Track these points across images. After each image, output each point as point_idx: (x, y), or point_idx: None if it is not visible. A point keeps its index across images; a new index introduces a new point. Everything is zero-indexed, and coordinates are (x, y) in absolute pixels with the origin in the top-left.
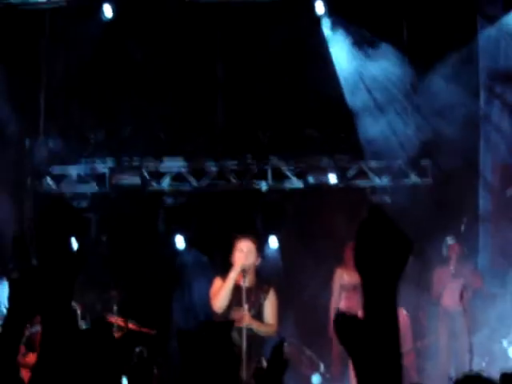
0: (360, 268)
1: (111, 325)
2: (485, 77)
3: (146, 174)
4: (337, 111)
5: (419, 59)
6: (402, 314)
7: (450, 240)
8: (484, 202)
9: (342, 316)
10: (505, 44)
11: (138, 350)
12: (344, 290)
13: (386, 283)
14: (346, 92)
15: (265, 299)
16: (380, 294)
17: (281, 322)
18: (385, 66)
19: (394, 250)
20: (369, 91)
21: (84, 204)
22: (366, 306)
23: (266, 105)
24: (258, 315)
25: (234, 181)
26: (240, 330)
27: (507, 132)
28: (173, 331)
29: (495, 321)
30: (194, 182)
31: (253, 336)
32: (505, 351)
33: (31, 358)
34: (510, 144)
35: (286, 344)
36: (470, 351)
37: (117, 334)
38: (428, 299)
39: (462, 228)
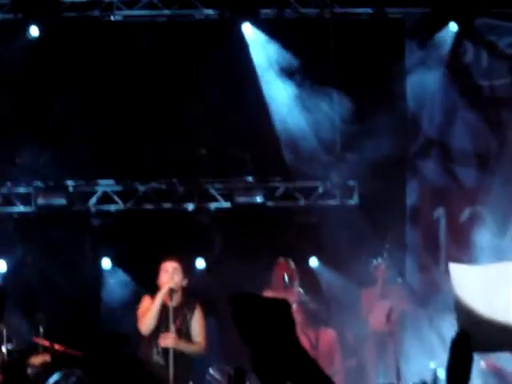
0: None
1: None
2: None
3: (72, 194)
4: (265, 132)
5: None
6: (331, 333)
7: (376, 261)
8: (410, 227)
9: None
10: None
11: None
12: None
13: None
14: (275, 115)
15: (191, 317)
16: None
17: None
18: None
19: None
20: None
21: (9, 225)
22: None
23: (194, 126)
24: (186, 333)
25: (161, 202)
26: (167, 351)
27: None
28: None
29: (422, 343)
30: (121, 203)
31: (180, 357)
32: (434, 373)
33: None
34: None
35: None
36: (397, 375)
37: (44, 357)
38: (356, 320)
39: (386, 249)
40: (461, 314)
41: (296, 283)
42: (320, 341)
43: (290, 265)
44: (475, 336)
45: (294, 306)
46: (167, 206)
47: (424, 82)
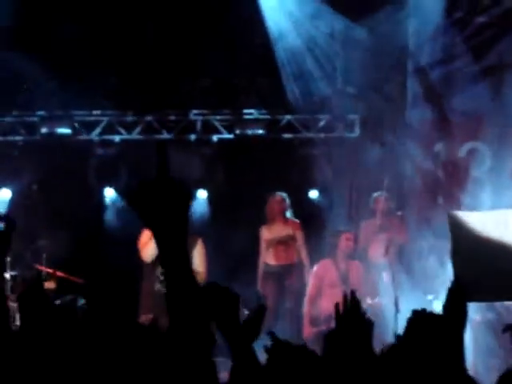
0: (148, 225)
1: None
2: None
3: (76, 123)
4: (265, 62)
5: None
6: (358, 265)
7: (376, 194)
8: (412, 155)
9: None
10: None
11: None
12: (268, 245)
13: (174, 233)
14: (274, 41)
15: (193, 248)
16: (171, 245)
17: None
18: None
19: (174, 200)
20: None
21: (15, 153)
22: (162, 260)
23: (194, 56)
24: None
25: (164, 132)
26: None
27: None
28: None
29: (420, 276)
30: (125, 133)
31: None
32: (430, 305)
33: None
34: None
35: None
36: (396, 305)
37: (49, 284)
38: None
39: (386, 182)
40: (457, 262)
41: (290, 214)
42: (351, 270)
43: (284, 198)
44: (472, 285)
45: (348, 235)
46: (170, 136)
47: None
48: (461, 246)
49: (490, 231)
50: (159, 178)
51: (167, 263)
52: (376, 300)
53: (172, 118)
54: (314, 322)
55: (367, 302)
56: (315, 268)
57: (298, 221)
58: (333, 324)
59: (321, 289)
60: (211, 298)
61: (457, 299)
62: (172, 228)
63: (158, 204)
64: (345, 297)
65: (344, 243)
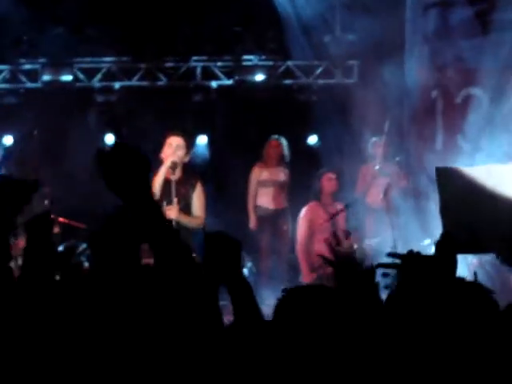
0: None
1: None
2: None
3: (77, 70)
4: (265, 9)
5: None
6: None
7: (375, 138)
8: (410, 102)
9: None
10: None
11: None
12: (262, 186)
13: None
14: None
15: (193, 192)
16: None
17: (207, 215)
18: None
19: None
20: None
21: (16, 100)
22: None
23: (193, 3)
24: (187, 207)
25: (163, 79)
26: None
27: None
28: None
29: (418, 221)
30: (125, 80)
31: (181, 228)
32: (424, 250)
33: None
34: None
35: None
36: (394, 248)
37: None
38: (354, 196)
39: (386, 127)
40: (447, 217)
41: (287, 159)
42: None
43: (282, 142)
44: (461, 238)
45: (330, 175)
46: (170, 83)
47: None
48: (449, 200)
49: (482, 184)
50: (115, 149)
51: (138, 219)
52: (375, 240)
53: (171, 64)
54: (311, 268)
55: (365, 243)
56: (303, 212)
57: (288, 170)
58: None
59: (311, 233)
60: (212, 246)
61: (446, 251)
62: (133, 189)
63: (117, 170)
64: (328, 242)
65: (326, 183)
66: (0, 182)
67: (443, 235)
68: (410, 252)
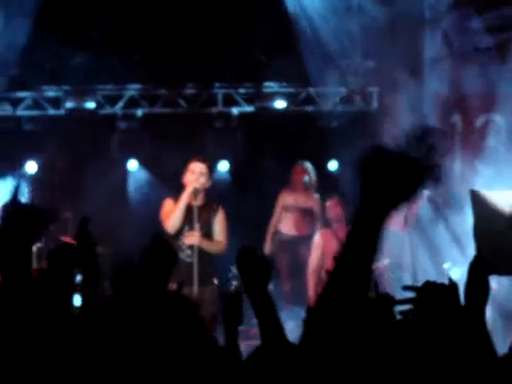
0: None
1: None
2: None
3: (100, 97)
4: (285, 36)
5: None
6: None
7: None
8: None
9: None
10: None
11: None
12: (285, 211)
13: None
14: (293, 15)
15: (214, 217)
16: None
17: (229, 241)
18: None
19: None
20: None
21: (39, 127)
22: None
23: (215, 30)
24: (209, 233)
25: (185, 106)
26: (192, 248)
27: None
28: (123, 250)
29: (436, 245)
30: (147, 107)
31: (204, 254)
32: (446, 274)
33: None
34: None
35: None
36: (414, 274)
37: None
38: None
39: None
40: (480, 238)
41: (314, 185)
42: None
43: (308, 168)
44: (494, 259)
45: (333, 202)
46: (192, 110)
47: None
48: (483, 222)
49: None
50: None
51: None
52: (391, 261)
53: (193, 91)
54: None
55: (383, 263)
56: (315, 239)
57: (317, 196)
58: None
59: (323, 260)
60: (244, 263)
61: (479, 273)
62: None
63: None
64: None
65: (331, 210)
66: (19, 209)
67: (476, 258)
68: (427, 283)
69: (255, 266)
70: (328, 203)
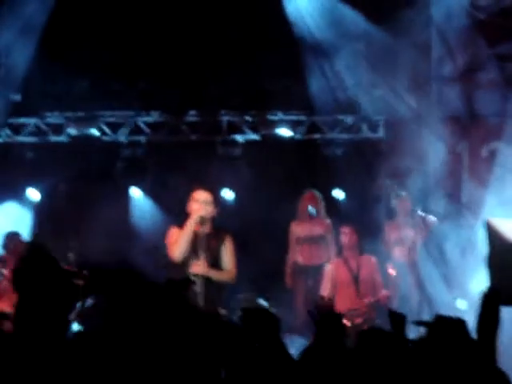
0: None
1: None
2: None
3: (102, 124)
4: (291, 64)
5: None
6: (371, 259)
7: (399, 194)
8: (436, 156)
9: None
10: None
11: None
12: (297, 244)
13: None
14: (299, 42)
15: (222, 246)
16: None
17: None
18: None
19: None
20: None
21: (41, 154)
22: None
23: (220, 58)
24: (216, 262)
25: (189, 133)
26: (197, 279)
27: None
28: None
29: (442, 274)
30: (151, 134)
31: (210, 283)
32: (453, 303)
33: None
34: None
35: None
36: (420, 304)
37: (77, 282)
38: (381, 250)
39: (408, 187)
40: (494, 268)
41: (323, 212)
42: (361, 266)
43: (316, 195)
44: (507, 290)
45: (348, 229)
46: (196, 137)
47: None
48: (497, 252)
49: None
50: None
51: None
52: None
53: (198, 118)
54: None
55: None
56: (327, 268)
57: (328, 221)
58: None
59: (334, 289)
60: (251, 321)
61: (492, 304)
62: None
63: None
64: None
65: (343, 238)
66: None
67: (490, 289)
68: (438, 317)
69: (264, 325)
70: (343, 229)
